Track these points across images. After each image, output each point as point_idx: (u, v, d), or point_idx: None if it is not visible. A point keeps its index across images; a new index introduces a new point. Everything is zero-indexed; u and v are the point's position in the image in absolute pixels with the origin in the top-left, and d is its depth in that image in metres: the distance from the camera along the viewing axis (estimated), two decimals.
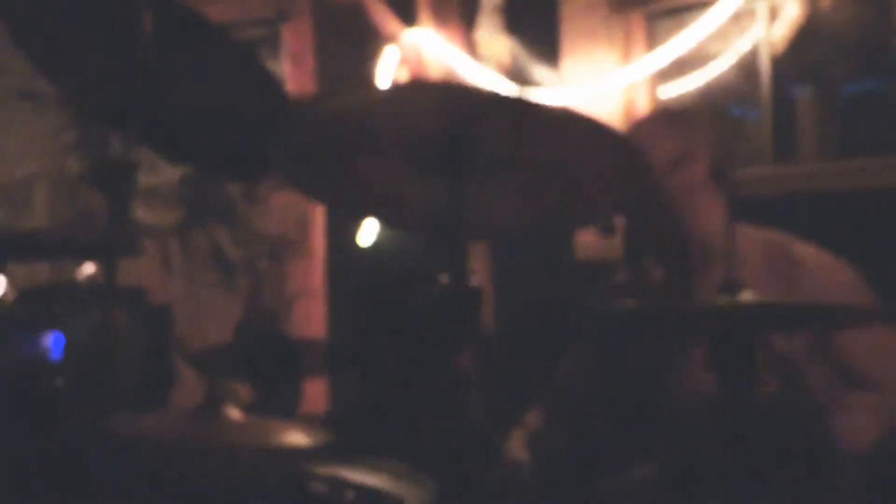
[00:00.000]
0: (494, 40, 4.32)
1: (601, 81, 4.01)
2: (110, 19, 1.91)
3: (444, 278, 1.65)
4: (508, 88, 4.12)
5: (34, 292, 2.59)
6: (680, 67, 3.96)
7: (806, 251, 2.45)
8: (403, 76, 4.44)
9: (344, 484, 2.07)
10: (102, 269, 2.32)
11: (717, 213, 2.38)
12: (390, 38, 4.40)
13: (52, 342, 2.50)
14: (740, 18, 3.84)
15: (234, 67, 1.99)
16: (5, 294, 2.51)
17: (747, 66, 3.91)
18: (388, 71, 4.42)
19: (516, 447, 2.61)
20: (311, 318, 4.31)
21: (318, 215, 4.47)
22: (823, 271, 2.40)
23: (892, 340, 2.34)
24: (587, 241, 3.92)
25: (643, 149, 2.49)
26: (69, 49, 2.00)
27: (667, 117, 2.71)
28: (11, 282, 2.54)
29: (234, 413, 2.04)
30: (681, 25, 3.86)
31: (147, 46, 1.83)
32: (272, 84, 2.02)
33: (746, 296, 1.78)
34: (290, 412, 3.25)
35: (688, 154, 2.51)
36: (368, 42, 4.45)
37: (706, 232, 2.46)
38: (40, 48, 2.04)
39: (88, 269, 2.77)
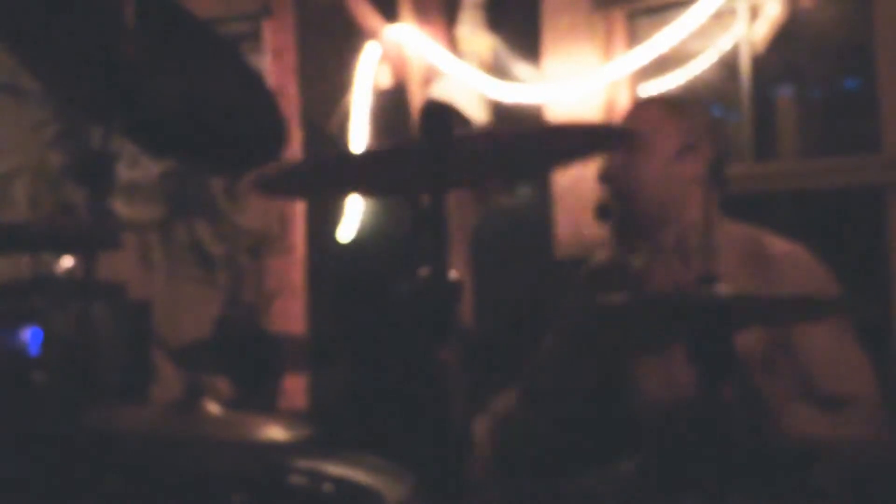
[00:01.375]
0: (476, 37, 4.32)
1: (582, 79, 4.02)
2: (93, 12, 1.90)
3: (423, 271, 1.66)
4: (489, 85, 4.13)
5: (13, 286, 2.58)
6: (661, 65, 3.97)
7: (779, 246, 2.47)
8: (385, 73, 4.44)
9: (323, 477, 2.07)
10: (82, 262, 2.32)
11: (709, 207, 2.40)
12: (372, 35, 4.39)
13: (30, 336, 2.49)
14: (721, 17, 3.85)
15: (217, 62, 1.99)
16: None
17: (728, 64, 3.93)
18: (369, 67, 4.42)
19: (480, 433, 2.63)
20: (290, 313, 4.31)
21: (299, 212, 4.47)
22: (795, 266, 2.42)
23: (850, 350, 2.35)
24: (566, 238, 3.93)
25: (645, 135, 2.50)
26: (52, 42, 2.00)
27: (672, 106, 2.68)
28: None
29: (213, 407, 2.04)
30: (662, 23, 3.86)
31: (130, 40, 1.82)
32: (255, 79, 2.02)
33: (723, 288, 1.79)
34: (269, 407, 3.25)
35: (693, 145, 2.52)
36: (350, 38, 4.45)
37: (695, 225, 2.48)
38: (22, 41, 2.03)
39: (67, 262, 2.77)
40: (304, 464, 2.08)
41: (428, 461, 1.69)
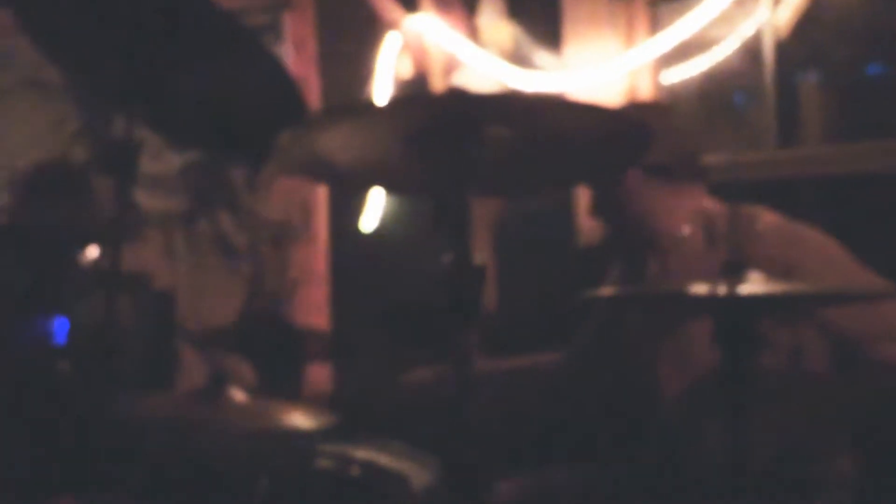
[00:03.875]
0: (496, 26, 4.31)
1: (604, 66, 4.00)
2: (118, 2, 1.91)
3: (447, 257, 1.66)
4: (511, 73, 4.12)
5: (39, 276, 2.59)
6: (683, 52, 3.95)
7: (768, 219, 2.51)
8: (405, 63, 4.43)
9: (349, 460, 2.08)
10: (107, 253, 2.33)
11: (666, 202, 2.50)
12: (392, 25, 4.39)
13: (56, 326, 2.51)
14: (744, 3, 3.83)
15: (240, 51, 1.99)
16: (13, 277, 2.52)
17: (751, 50, 3.90)
18: (390, 58, 4.42)
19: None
20: (313, 303, 4.32)
21: (321, 202, 4.47)
22: (783, 238, 2.44)
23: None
24: (588, 227, 3.92)
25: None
26: (76, 33, 2.00)
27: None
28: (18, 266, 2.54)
29: (238, 395, 2.05)
30: (684, 10, 3.84)
31: (154, 30, 1.83)
32: (278, 68, 2.02)
33: (750, 278, 1.79)
34: (293, 395, 3.26)
35: (659, 162, 2.59)
36: (371, 29, 4.44)
37: (658, 226, 2.57)
38: (47, 32, 2.04)
39: (93, 253, 2.78)
40: (330, 448, 2.09)
41: (451, 448, 1.69)
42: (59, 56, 2.11)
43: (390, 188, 2.51)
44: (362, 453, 2.13)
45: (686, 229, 2.61)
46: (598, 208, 2.74)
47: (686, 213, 2.62)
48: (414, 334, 3.33)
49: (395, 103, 2.24)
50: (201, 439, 1.95)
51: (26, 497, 2.39)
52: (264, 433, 1.98)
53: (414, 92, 4.29)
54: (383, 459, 2.11)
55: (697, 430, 2.24)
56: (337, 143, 1.73)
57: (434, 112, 1.70)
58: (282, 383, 2.94)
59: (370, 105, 2.62)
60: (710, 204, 2.65)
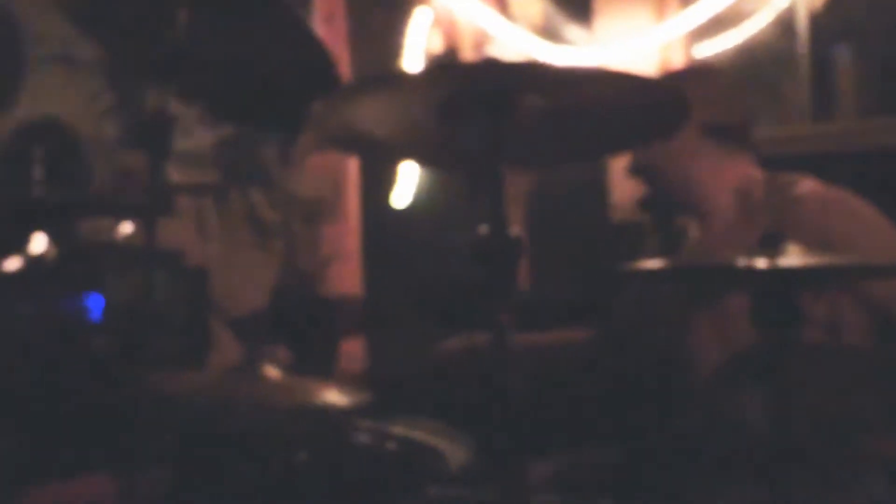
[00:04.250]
0: (527, 0, 4.29)
1: (635, 40, 3.98)
2: None
3: (482, 229, 1.65)
4: (541, 48, 4.10)
5: (75, 251, 2.60)
6: (716, 26, 3.92)
7: (807, 186, 2.48)
8: (436, 37, 4.41)
9: (386, 435, 2.08)
10: (142, 229, 2.33)
11: (715, 165, 2.47)
12: (420, 1, 4.37)
13: (92, 302, 2.51)
14: None
15: (274, 22, 1.98)
16: (46, 252, 2.52)
17: (784, 23, 3.87)
18: (420, 32, 4.40)
19: None
20: (345, 280, 4.32)
21: (352, 178, 4.46)
22: (822, 203, 2.42)
23: None
24: (621, 202, 3.91)
25: None
26: (112, 7, 2.00)
27: (682, 81, 2.73)
28: (51, 240, 2.55)
29: (273, 372, 2.05)
30: None
31: (190, 4, 1.82)
32: (312, 39, 2.02)
33: (788, 249, 1.76)
34: (327, 371, 3.26)
35: (713, 120, 2.55)
36: (400, 3, 4.43)
37: (702, 190, 2.53)
38: (82, 7, 2.04)
39: (126, 228, 2.78)
40: (366, 423, 2.09)
41: (488, 427, 1.68)
42: (94, 29, 2.11)
43: (424, 160, 2.50)
44: (398, 429, 2.13)
45: (728, 196, 2.57)
46: (640, 166, 2.68)
47: (733, 178, 2.57)
48: (447, 314, 3.32)
49: (429, 72, 2.22)
50: (237, 416, 1.95)
51: (63, 474, 2.40)
52: (300, 410, 1.98)
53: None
54: (419, 436, 2.11)
55: (736, 404, 2.23)
56: (370, 113, 1.72)
57: (468, 81, 1.69)
58: (316, 360, 2.94)
59: (404, 75, 2.61)
60: (756, 173, 2.60)
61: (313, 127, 2.03)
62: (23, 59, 3.46)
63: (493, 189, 1.66)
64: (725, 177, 2.58)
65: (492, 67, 1.81)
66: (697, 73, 2.96)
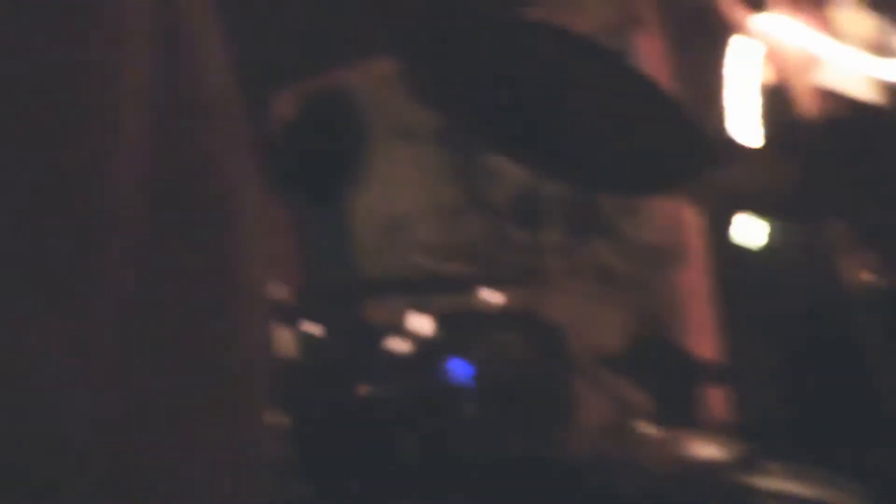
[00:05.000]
0: (855, 16, 4.11)
1: None
2: (505, 51, 1.95)
3: (867, 276, 1.57)
4: (878, 66, 3.91)
5: (450, 320, 2.67)
6: None
7: None
8: (761, 68, 4.29)
9: (778, 496, 2.00)
10: (510, 297, 2.38)
11: None
12: (742, 30, 4.26)
13: (461, 369, 2.58)
14: None
15: (625, 86, 1.99)
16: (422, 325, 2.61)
17: None
18: (747, 64, 4.28)
19: None
20: (701, 325, 4.23)
21: (696, 220, 4.38)
22: None
23: None
24: None
25: None
26: (465, 83, 2.06)
27: None
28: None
29: (647, 428, 2.03)
30: None
31: (544, 74, 1.85)
32: (663, 96, 2.01)
33: None
34: (690, 422, 3.21)
35: None
36: (721, 37, 4.34)
37: None
38: (434, 84, 2.11)
39: (490, 296, 2.84)
40: (759, 483, 2.02)
41: (882, 474, 1.59)
42: (448, 108, 2.18)
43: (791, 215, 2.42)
44: (782, 486, 2.03)
45: None
46: None
47: None
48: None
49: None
50: (621, 477, 1.94)
51: None
52: (684, 468, 1.95)
53: (780, 100, 4.16)
54: (810, 491, 2.01)
55: None
56: (747, 175, 1.68)
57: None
58: (678, 410, 2.90)
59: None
60: None
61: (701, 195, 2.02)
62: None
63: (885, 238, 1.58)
64: None
65: None
66: None
